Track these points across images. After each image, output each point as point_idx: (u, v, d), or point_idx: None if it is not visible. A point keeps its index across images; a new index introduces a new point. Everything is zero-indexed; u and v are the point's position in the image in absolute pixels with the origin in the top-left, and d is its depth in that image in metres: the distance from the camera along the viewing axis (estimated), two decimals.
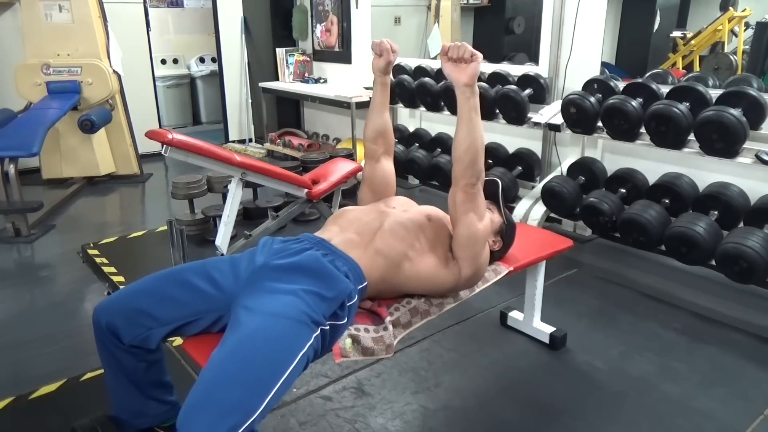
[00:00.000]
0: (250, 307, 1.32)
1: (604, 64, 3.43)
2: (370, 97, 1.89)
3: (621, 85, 3.09)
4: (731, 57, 4.41)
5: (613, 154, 3.34)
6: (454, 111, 3.84)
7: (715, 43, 4.59)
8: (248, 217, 3.67)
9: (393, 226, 1.61)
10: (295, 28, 5.77)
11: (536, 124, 3.35)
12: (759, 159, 2.53)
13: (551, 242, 2.22)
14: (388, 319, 1.57)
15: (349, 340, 1.48)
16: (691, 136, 2.71)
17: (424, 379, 2.08)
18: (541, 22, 3.53)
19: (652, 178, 3.08)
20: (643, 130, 2.89)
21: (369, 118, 1.86)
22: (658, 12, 4.79)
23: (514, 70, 3.74)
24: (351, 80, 5.19)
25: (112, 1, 4.68)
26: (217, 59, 5.98)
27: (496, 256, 1.86)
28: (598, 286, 2.85)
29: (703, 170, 2.93)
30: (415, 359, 2.20)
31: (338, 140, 5.47)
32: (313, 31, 5.61)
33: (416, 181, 4.43)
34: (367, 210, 1.71)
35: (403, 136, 4.43)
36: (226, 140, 6.11)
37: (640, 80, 3.02)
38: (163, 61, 6.80)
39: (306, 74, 5.63)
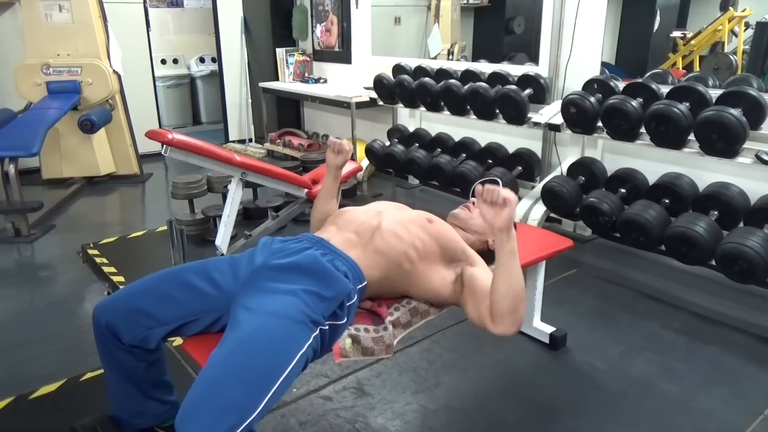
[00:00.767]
0: (250, 307, 1.32)
1: (604, 64, 3.43)
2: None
3: (621, 85, 3.09)
4: (731, 57, 4.41)
5: (613, 154, 3.34)
6: (453, 111, 3.88)
7: (715, 43, 4.58)
8: (248, 217, 3.67)
9: (391, 225, 1.60)
10: (295, 28, 5.77)
11: (536, 124, 3.35)
12: (759, 159, 2.53)
13: (551, 242, 2.22)
14: (388, 319, 1.57)
15: (349, 340, 1.47)
16: (691, 136, 2.71)
17: (424, 379, 2.08)
18: (541, 22, 3.53)
19: (652, 178, 3.08)
20: (643, 130, 2.89)
21: (317, 204, 1.96)
22: (658, 12, 4.79)
23: (514, 70, 3.74)
24: (351, 80, 5.19)
25: (112, 1, 4.69)
26: (217, 59, 5.98)
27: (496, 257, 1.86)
28: (598, 286, 2.85)
29: (703, 170, 2.93)
30: (415, 359, 2.20)
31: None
32: (313, 31, 5.62)
33: (416, 181, 4.43)
34: (365, 210, 1.71)
35: (403, 136, 4.42)
36: (226, 140, 6.11)
37: (640, 80, 3.02)
38: (163, 61, 6.80)
39: (306, 74, 5.63)
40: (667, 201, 2.91)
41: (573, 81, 3.38)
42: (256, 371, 1.20)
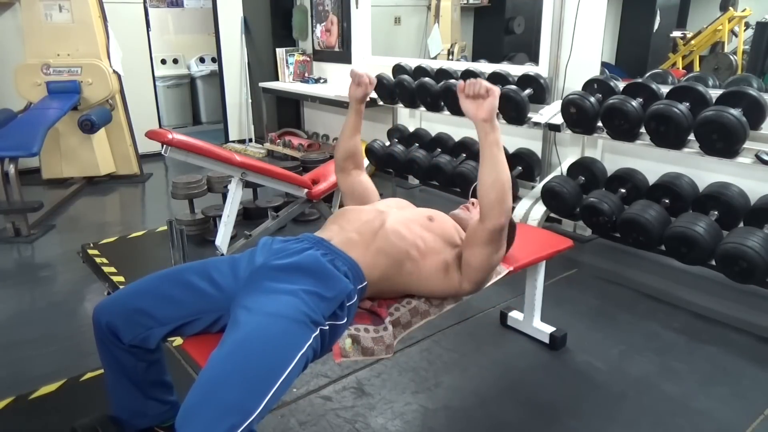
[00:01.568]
0: (250, 307, 1.32)
1: (604, 64, 3.43)
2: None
3: (621, 85, 3.09)
4: (731, 57, 4.41)
5: (613, 154, 3.34)
6: (453, 111, 3.87)
7: (715, 43, 4.58)
8: (248, 217, 3.67)
9: (394, 225, 1.60)
10: (295, 28, 5.77)
11: (536, 124, 3.35)
12: (759, 159, 2.53)
13: (551, 242, 2.22)
14: (388, 319, 1.57)
15: (349, 340, 1.48)
16: (691, 136, 2.71)
17: (424, 379, 2.08)
18: (541, 22, 3.53)
19: (652, 178, 3.08)
20: (643, 130, 2.89)
21: (341, 141, 1.94)
22: (658, 12, 4.79)
23: (514, 70, 3.74)
24: (351, 80, 5.18)
25: (112, 1, 4.69)
26: (217, 59, 5.98)
27: None
28: (598, 286, 2.85)
29: (703, 170, 2.93)
30: (415, 359, 2.20)
31: (338, 140, 5.46)
32: (313, 31, 5.62)
33: (416, 181, 4.43)
34: (367, 210, 1.71)
35: (403, 136, 4.42)
36: (226, 140, 6.11)
37: (640, 80, 3.02)
38: (163, 61, 6.80)
39: (306, 74, 5.63)
40: (667, 201, 2.91)
41: (573, 81, 3.37)
42: (256, 371, 1.20)
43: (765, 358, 2.22)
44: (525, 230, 2.27)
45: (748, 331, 2.41)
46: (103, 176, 4.71)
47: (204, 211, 3.48)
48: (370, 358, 1.53)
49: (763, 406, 1.94)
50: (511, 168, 3.62)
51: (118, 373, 1.51)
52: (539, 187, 3.38)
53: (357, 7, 5.01)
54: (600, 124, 3.03)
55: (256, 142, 6.03)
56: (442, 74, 4.03)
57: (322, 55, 5.58)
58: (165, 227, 3.43)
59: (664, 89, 2.89)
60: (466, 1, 5.78)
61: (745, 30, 4.43)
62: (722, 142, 2.56)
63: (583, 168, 3.30)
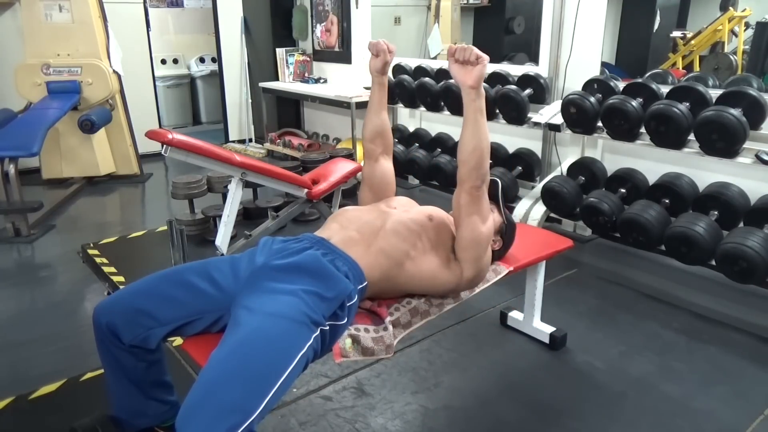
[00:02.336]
0: (250, 308, 1.32)
1: (604, 64, 3.43)
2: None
3: (621, 85, 3.09)
4: (731, 57, 4.41)
5: (613, 154, 3.34)
6: (453, 111, 3.87)
7: (715, 43, 4.59)
8: (248, 217, 3.67)
9: (395, 225, 1.60)
10: (295, 28, 5.77)
11: (536, 124, 3.36)
12: (759, 159, 2.53)
13: (551, 242, 2.22)
14: (388, 319, 1.57)
15: (349, 340, 1.47)
16: (691, 136, 2.71)
17: (424, 379, 2.08)
18: (541, 22, 3.53)
19: (652, 178, 3.08)
20: (643, 130, 2.89)
21: (367, 118, 1.88)
22: (658, 12, 4.80)
23: (514, 70, 3.74)
24: (351, 80, 5.19)
25: (112, 1, 4.69)
26: (217, 59, 5.98)
27: (496, 256, 1.86)
28: (598, 286, 2.85)
29: (703, 170, 2.93)
30: (415, 359, 2.20)
31: (338, 140, 5.47)
32: (313, 31, 5.62)
33: (416, 181, 4.43)
34: (368, 209, 1.71)
35: (403, 136, 4.43)
36: (226, 140, 6.11)
37: (640, 80, 3.02)
38: (163, 61, 6.80)
39: (306, 74, 5.63)
40: (667, 201, 2.91)
41: (573, 81, 3.37)
42: (257, 372, 1.20)
43: (765, 358, 2.22)
44: (525, 230, 2.26)
45: (748, 331, 2.41)
46: (103, 176, 4.71)
47: (204, 211, 3.48)
48: (370, 358, 1.53)
49: (763, 406, 1.94)
50: (512, 168, 3.67)
51: (119, 373, 1.50)
52: (539, 187, 3.38)
53: (357, 7, 5.01)
54: (600, 124, 3.03)
55: (256, 142, 6.03)
56: (442, 74, 4.03)
57: (322, 55, 5.58)
58: (165, 227, 3.43)
59: (664, 89, 2.89)
60: (466, 1, 5.78)
61: (745, 30, 4.43)
62: (722, 142, 2.56)
63: (583, 168, 3.30)
